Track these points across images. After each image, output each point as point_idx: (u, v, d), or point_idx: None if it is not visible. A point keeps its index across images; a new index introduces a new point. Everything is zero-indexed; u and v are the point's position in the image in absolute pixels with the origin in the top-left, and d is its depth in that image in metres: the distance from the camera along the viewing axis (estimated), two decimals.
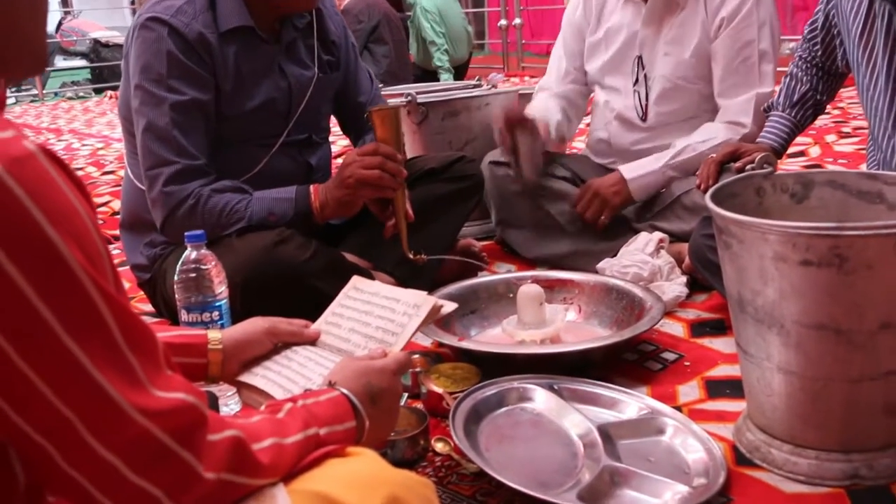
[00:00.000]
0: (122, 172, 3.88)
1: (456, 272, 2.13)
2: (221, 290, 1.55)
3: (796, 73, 2.03)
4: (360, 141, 2.15)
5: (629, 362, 1.69)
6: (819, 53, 1.96)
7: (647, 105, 2.25)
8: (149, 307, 2.09)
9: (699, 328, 1.84)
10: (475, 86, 2.74)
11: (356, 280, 1.42)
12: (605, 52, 2.31)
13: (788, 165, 3.28)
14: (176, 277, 1.53)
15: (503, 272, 2.24)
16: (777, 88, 2.10)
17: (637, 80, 2.25)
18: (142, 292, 2.09)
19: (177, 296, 1.54)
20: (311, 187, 1.86)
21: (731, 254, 1.29)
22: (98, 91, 8.22)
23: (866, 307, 1.18)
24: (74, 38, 8.44)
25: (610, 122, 2.31)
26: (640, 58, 2.24)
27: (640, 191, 2.19)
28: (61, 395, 0.70)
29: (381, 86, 2.88)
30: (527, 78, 6.85)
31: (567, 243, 2.20)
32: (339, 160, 2.95)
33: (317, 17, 1.99)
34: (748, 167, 1.50)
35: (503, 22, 7.25)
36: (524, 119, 2.17)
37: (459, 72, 6.99)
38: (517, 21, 7.17)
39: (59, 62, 8.53)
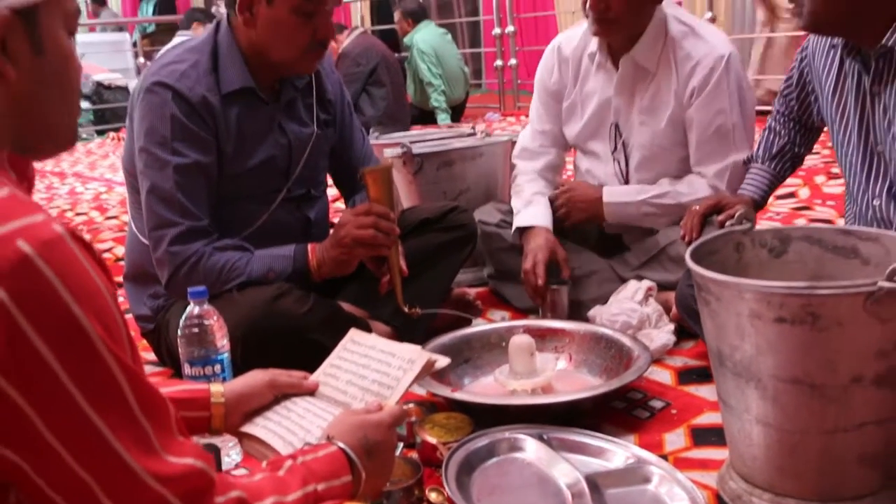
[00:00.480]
0: (125, 217, 3.96)
1: (451, 320, 2.18)
2: (223, 343, 1.61)
3: (775, 126, 2.11)
4: (350, 200, 2.22)
5: (618, 410, 1.74)
6: (795, 108, 2.04)
7: (627, 171, 2.30)
8: (152, 356, 2.15)
9: (686, 375, 1.90)
10: (469, 134, 2.82)
11: (353, 333, 1.49)
12: (580, 118, 2.36)
13: (778, 207, 3.35)
14: (179, 332, 1.60)
15: (497, 319, 2.31)
16: (757, 139, 2.18)
17: (616, 148, 2.31)
18: (145, 341, 2.14)
19: (180, 350, 1.61)
20: (309, 246, 1.92)
21: (710, 310, 1.35)
22: (100, 133, 8.33)
23: (838, 362, 1.24)
24: None
25: None
26: (616, 125, 2.30)
27: (612, 215, 2.28)
28: (81, 459, 0.77)
29: (377, 135, 2.96)
30: (522, 117, 6.94)
31: None
32: (338, 204, 3.02)
33: (315, 77, 2.07)
34: (728, 223, 1.56)
35: (499, 63, 7.35)
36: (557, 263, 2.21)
37: (456, 112, 7.09)
38: (512, 62, 7.28)
39: None
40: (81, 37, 9.64)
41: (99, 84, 8.48)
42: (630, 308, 2.03)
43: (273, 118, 1.98)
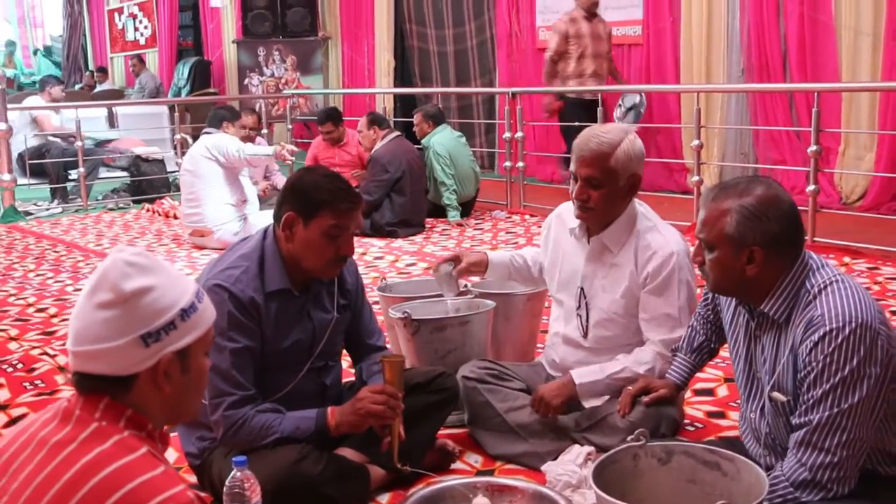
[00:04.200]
0: None
1: (435, 462, 2.77)
2: (256, 500, 2.18)
3: (696, 325, 2.68)
4: (358, 365, 2.81)
5: None
6: (711, 316, 2.61)
7: (587, 327, 2.88)
8: (194, 479, 2.72)
9: None
10: (462, 291, 3.39)
11: None
12: (557, 275, 2.97)
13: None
14: (225, 489, 2.17)
15: (472, 462, 2.87)
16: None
17: (580, 306, 2.89)
18: (193, 472, 2.71)
19: (224, 503, 2.18)
20: (329, 410, 2.50)
21: None
22: (136, 202, 8.97)
23: None
24: (115, 156, 9.25)
25: (558, 345, 2.96)
26: (582, 289, 2.88)
27: (586, 393, 2.81)
28: None
29: (385, 283, 3.53)
30: (527, 216, 7.54)
31: (522, 445, 2.82)
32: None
33: None
34: (629, 438, 2.12)
35: (507, 164, 7.97)
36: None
37: (467, 207, 7.68)
38: (520, 164, 7.89)
39: (102, 173, 9.32)
40: (122, 109, 10.39)
41: (137, 157, 9.14)
42: (572, 469, 2.59)
43: (303, 308, 2.57)
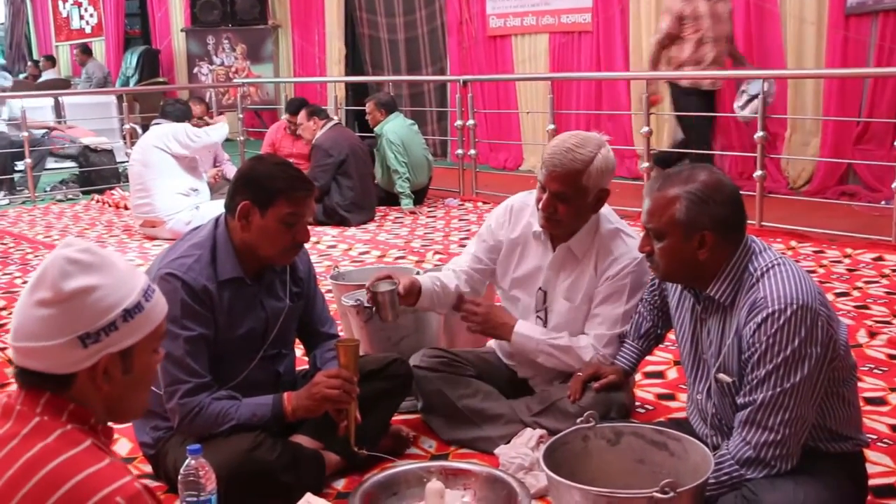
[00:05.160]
0: None
1: (390, 448, 2.80)
2: (211, 488, 2.19)
3: (643, 312, 2.73)
4: (312, 354, 2.83)
5: None
6: (658, 302, 2.67)
7: (546, 326, 2.90)
8: (149, 468, 2.71)
9: None
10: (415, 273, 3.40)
11: (308, 497, 2.08)
12: (510, 271, 2.95)
13: None
14: (180, 477, 2.17)
15: (426, 447, 2.90)
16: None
17: (539, 308, 2.90)
18: (147, 461, 2.71)
19: (179, 490, 2.18)
20: (285, 395, 2.51)
21: (553, 494, 1.95)
22: (86, 193, 8.84)
23: None
24: (64, 145, 9.10)
25: None
26: (544, 292, 2.89)
27: (515, 345, 2.85)
28: None
29: (338, 271, 3.53)
30: (479, 203, 7.57)
31: (475, 431, 2.86)
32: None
33: None
34: (578, 420, 2.17)
35: (459, 151, 8.00)
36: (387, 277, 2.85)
37: (420, 195, 7.70)
38: (472, 152, 7.92)
39: (50, 163, 9.17)
40: (69, 99, 10.22)
41: (86, 147, 9.00)
42: (524, 452, 2.63)
43: (255, 296, 2.58)
